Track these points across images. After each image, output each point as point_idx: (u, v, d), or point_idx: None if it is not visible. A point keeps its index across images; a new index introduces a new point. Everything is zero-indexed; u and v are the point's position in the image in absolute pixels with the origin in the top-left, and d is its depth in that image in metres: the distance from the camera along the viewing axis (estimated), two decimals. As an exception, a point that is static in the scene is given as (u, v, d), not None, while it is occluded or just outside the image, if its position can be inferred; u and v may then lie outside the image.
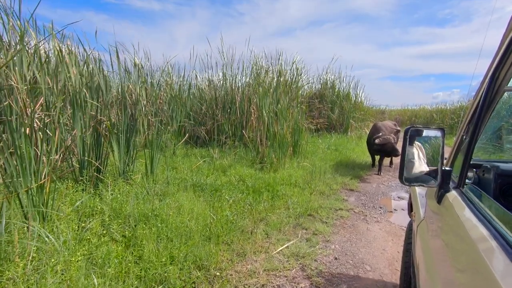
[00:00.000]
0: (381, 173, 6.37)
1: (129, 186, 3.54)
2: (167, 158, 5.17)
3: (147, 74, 7.37)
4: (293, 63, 9.12)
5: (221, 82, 7.44)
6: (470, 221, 0.87)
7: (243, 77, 7.73)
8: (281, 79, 7.95)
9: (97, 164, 3.53)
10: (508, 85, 1.04)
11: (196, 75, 7.88)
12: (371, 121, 13.87)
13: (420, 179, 1.33)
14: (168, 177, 3.94)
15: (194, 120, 7.15)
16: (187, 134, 6.49)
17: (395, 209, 4.24)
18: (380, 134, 6.10)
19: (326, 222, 3.52)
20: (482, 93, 1.05)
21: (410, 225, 2.02)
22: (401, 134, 5.98)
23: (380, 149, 6.03)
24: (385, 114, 30.48)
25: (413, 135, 1.30)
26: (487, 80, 1.04)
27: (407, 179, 1.30)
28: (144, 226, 2.56)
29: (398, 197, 4.85)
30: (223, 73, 7.45)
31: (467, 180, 1.30)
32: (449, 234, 1.03)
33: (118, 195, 3.04)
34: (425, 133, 1.35)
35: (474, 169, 1.60)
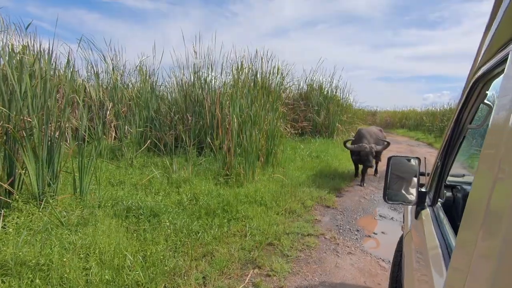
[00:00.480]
0: (364, 184, 5.76)
1: (44, 212, 2.82)
2: (110, 171, 4.47)
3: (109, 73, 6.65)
4: (267, 60, 8.44)
5: (192, 83, 6.73)
6: (431, 234, 1.11)
7: (221, 78, 7.07)
8: (259, 78, 7.30)
9: (5, 185, 2.82)
10: (470, 124, 1.27)
11: (172, 75, 7.16)
12: (359, 124, 13.35)
13: (401, 198, 1.51)
14: (100, 198, 3.24)
15: (162, 125, 6.44)
16: (148, 141, 5.77)
17: (374, 233, 3.62)
18: (361, 142, 5.52)
19: (288, 255, 2.86)
20: (449, 131, 1.33)
21: (401, 237, 2.08)
22: (408, 146, 5.30)
23: (356, 157, 5.47)
24: (376, 116, 30.29)
25: (395, 162, 1.55)
26: (453, 120, 1.31)
27: (390, 198, 1.50)
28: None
29: (380, 216, 4.23)
30: (194, 72, 6.77)
31: (440, 200, 1.45)
32: (419, 245, 1.26)
33: (11, 229, 2.33)
34: (404, 161, 1.59)
35: (452, 189, 1.67)
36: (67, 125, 4.24)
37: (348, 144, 5.56)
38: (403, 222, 2.12)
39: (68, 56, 5.98)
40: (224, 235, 3.09)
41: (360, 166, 6.04)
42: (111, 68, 6.61)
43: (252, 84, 7.39)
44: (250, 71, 7.82)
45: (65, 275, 1.94)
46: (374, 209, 4.49)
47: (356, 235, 3.51)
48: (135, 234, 2.71)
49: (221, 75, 7.05)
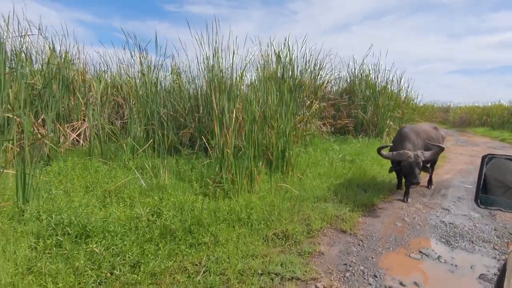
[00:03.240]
0: (408, 200, 4.31)
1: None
2: (100, 173, 4.01)
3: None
4: (286, 49, 7.29)
5: (204, 75, 6.05)
6: None
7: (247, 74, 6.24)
8: (272, 67, 6.26)
9: None
10: None
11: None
12: (420, 121, 11.16)
13: (502, 204, 1.22)
14: (39, 209, 2.71)
15: (174, 122, 5.93)
16: (150, 140, 5.28)
17: (402, 284, 2.36)
18: (403, 146, 4.10)
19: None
20: None
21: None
22: (451, 144, 3.78)
23: (397, 167, 4.03)
24: (449, 112, 26.23)
25: (493, 164, 1.22)
26: None
27: (485, 203, 1.23)
28: None
29: (421, 252, 2.89)
30: (206, 66, 6.05)
31: None
32: None
33: None
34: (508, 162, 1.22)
35: None
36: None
37: (384, 152, 4.10)
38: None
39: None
40: (168, 271, 2.26)
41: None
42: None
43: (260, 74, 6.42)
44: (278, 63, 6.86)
45: None
46: (413, 240, 3.14)
47: (371, 285, 2.33)
48: (38, 263, 2.07)
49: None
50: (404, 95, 11.10)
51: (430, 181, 5.00)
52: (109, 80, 6.90)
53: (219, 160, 3.97)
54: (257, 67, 6.25)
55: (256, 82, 5.31)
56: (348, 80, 10.16)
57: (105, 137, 5.32)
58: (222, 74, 5.12)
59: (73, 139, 5.70)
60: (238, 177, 3.60)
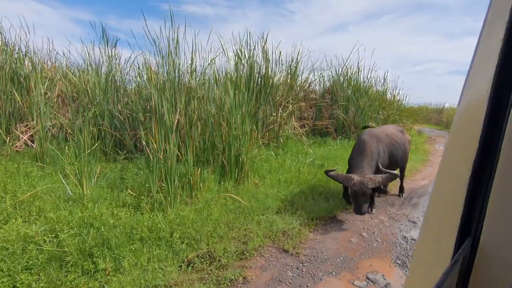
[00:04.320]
0: (373, 210, 3.88)
1: None
2: (30, 179, 3.55)
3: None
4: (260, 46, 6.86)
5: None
6: None
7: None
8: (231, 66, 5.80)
9: None
10: None
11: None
12: (406, 122, 10.77)
13: None
14: None
15: (134, 123, 5.46)
16: (97, 142, 4.82)
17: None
18: (357, 161, 3.59)
19: None
20: None
21: None
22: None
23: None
24: (443, 113, 25.96)
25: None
26: None
27: None
28: None
29: (368, 279, 2.45)
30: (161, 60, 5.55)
31: None
32: None
33: None
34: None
35: None
36: None
37: (332, 172, 3.45)
38: None
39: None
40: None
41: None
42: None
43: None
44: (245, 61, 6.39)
45: None
46: (364, 261, 2.70)
47: (291, 325, 1.88)
48: None
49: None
50: (390, 96, 10.70)
51: (401, 189, 4.56)
52: (75, 78, 6.43)
53: (149, 166, 3.50)
54: (215, 69, 5.76)
55: (211, 81, 4.86)
56: (332, 80, 9.74)
57: (48, 138, 4.86)
58: (175, 74, 4.67)
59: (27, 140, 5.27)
60: (170, 187, 3.15)
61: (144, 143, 3.65)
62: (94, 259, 2.26)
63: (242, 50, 6.44)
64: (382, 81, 10.09)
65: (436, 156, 8.29)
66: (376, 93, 9.79)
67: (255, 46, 6.66)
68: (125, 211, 3.02)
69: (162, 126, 3.65)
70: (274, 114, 6.97)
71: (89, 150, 4.66)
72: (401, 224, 3.55)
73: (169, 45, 4.62)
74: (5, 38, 5.81)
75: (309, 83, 9.61)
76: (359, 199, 3.24)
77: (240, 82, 5.58)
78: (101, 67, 5.78)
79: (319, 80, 9.86)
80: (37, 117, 5.20)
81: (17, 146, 5.37)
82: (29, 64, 5.83)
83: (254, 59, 6.47)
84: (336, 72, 9.54)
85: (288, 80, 7.96)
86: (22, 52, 5.80)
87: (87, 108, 5.06)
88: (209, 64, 4.93)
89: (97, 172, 3.67)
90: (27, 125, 5.64)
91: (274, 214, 3.48)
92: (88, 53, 5.75)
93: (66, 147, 4.64)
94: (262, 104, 6.51)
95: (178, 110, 3.83)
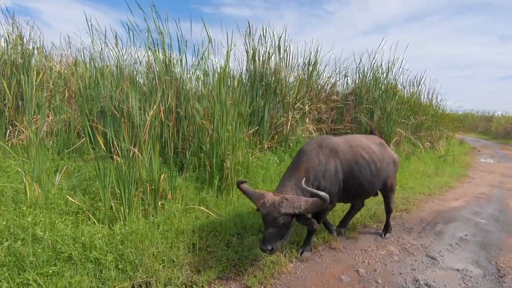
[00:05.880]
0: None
1: None
2: None
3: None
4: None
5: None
6: None
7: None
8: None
9: None
10: None
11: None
12: (442, 130, 9.48)
13: None
14: None
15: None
16: (82, 139, 4.53)
17: None
18: (284, 178, 2.52)
19: None
20: None
21: None
22: None
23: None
24: (492, 122, 23.61)
25: None
26: None
27: None
28: None
29: None
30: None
31: None
32: None
33: None
34: None
35: None
36: None
37: (246, 186, 2.46)
38: None
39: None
40: None
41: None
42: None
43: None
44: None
45: None
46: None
47: None
48: None
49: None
50: (426, 100, 9.50)
51: (386, 226, 3.24)
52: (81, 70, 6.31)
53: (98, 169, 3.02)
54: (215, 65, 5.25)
55: (203, 79, 4.36)
56: (357, 81, 8.83)
57: (41, 133, 4.69)
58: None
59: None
60: (123, 194, 2.67)
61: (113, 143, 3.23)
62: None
63: (255, 46, 5.88)
64: (417, 83, 8.94)
65: (478, 171, 7.03)
66: (408, 96, 8.70)
67: (272, 43, 6.08)
68: (72, 220, 2.60)
69: (130, 124, 3.21)
70: (286, 115, 6.34)
71: (72, 148, 4.42)
72: (416, 260, 2.73)
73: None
74: (20, 32, 5.81)
75: (333, 84, 8.82)
76: (267, 228, 2.21)
77: (241, 78, 5.04)
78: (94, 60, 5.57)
79: (343, 81, 9.01)
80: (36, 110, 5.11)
81: (20, 138, 5.33)
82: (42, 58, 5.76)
83: (266, 56, 5.90)
84: (361, 72, 8.62)
85: (305, 79, 7.26)
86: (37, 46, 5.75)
87: (80, 101, 4.81)
88: (201, 58, 4.43)
89: (62, 172, 3.32)
90: (35, 118, 5.60)
91: (252, 234, 2.86)
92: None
93: (51, 142, 4.42)
94: (269, 103, 5.90)
95: (154, 106, 3.36)
